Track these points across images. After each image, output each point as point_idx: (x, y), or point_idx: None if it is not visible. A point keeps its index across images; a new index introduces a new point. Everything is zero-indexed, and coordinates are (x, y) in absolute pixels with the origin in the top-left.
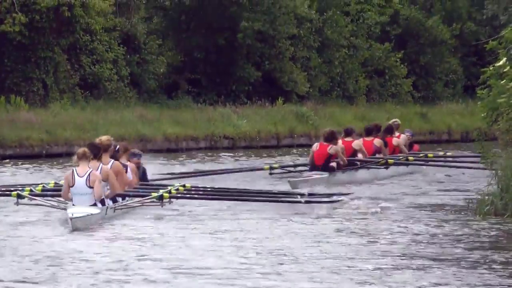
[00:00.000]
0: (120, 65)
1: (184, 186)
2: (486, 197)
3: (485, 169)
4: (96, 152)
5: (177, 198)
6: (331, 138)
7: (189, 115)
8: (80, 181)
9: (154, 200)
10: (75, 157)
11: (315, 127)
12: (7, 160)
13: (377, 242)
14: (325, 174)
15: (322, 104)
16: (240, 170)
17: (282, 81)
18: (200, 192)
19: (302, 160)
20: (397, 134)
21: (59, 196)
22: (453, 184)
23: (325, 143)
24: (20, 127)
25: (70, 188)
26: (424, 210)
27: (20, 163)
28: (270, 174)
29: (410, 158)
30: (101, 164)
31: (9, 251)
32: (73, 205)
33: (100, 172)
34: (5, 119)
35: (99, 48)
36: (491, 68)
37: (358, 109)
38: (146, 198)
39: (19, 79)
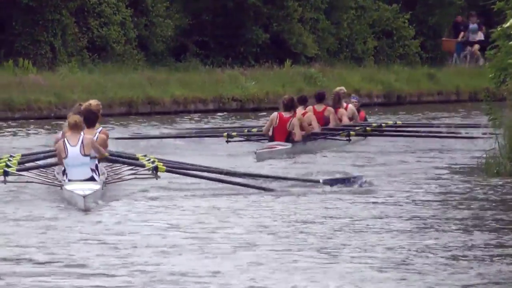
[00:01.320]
0: (127, 28)
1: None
2: (491, 158)
3: (441, 136)
4: (94, 118)
5: (171, 172)
6: (291, 106)
7: (197, 78)
8: (73, 151)
9: (147, 172)
10: (65, 126)
11: (323, 89)
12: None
13: (384, 204)
14: (288, 145)
15: (330, 65)
16: (197, 136)
17: (290, 43)
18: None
19: (261, 122)
20: (344, 104)
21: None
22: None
23: (285, 114)
24: (29, 90)
25: (64, 160)
26: (429, 173)
27: (28, 125)
28: (227, 142)
29: (368, 129)
30: (97, 133)
31: (24, 235)
32: (68, 180)
33: (96, 139)
34: (14, 82)
35: (106, 10)
36: (498, 29)
37: (366, 71)
38: (140, 169)
39: (27, 42)
